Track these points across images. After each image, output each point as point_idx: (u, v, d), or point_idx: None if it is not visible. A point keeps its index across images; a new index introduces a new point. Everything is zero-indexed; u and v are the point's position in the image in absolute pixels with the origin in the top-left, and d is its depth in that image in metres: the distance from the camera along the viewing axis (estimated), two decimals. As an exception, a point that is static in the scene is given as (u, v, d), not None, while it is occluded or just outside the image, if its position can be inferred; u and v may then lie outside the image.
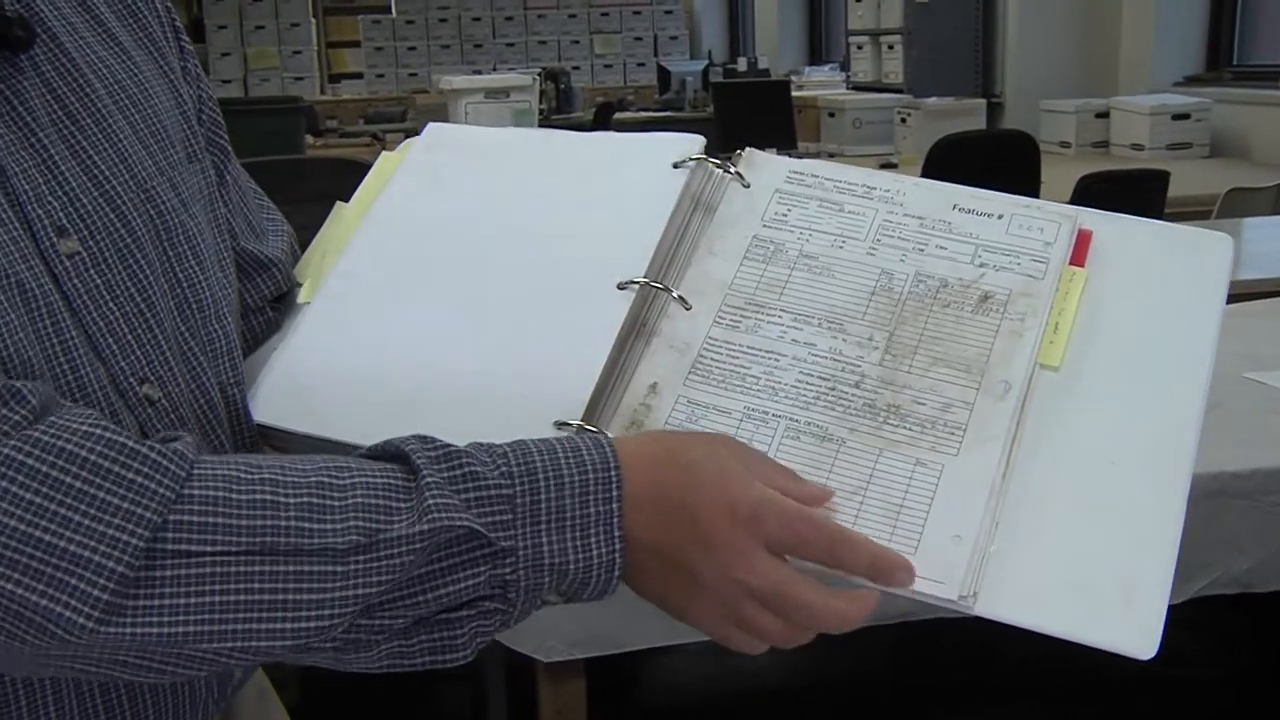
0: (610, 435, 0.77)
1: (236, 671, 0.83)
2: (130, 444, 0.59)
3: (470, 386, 0.72)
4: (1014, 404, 0.78)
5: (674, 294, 0.84)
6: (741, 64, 7.74)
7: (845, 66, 7.35)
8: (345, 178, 0.96)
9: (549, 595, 0.65)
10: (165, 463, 0.60)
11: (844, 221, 0.87)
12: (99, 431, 0.59)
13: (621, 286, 0.83)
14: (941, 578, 0.72)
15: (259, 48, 9.48)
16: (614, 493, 0.64)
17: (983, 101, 5.53)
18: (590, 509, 0.63)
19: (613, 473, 0.65)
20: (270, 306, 0.92)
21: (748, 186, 0.90)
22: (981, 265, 0.84)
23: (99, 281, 0.72)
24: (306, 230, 0.97)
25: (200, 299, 0.79)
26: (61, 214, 0.71)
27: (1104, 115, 5.14)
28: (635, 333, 0.83)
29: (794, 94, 5.89)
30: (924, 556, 0.73)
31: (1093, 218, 0.86)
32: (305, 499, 0.61)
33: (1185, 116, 4.88)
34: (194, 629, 0.58)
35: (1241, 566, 1.78)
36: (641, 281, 0.83)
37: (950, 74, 5.96)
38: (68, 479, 0.57)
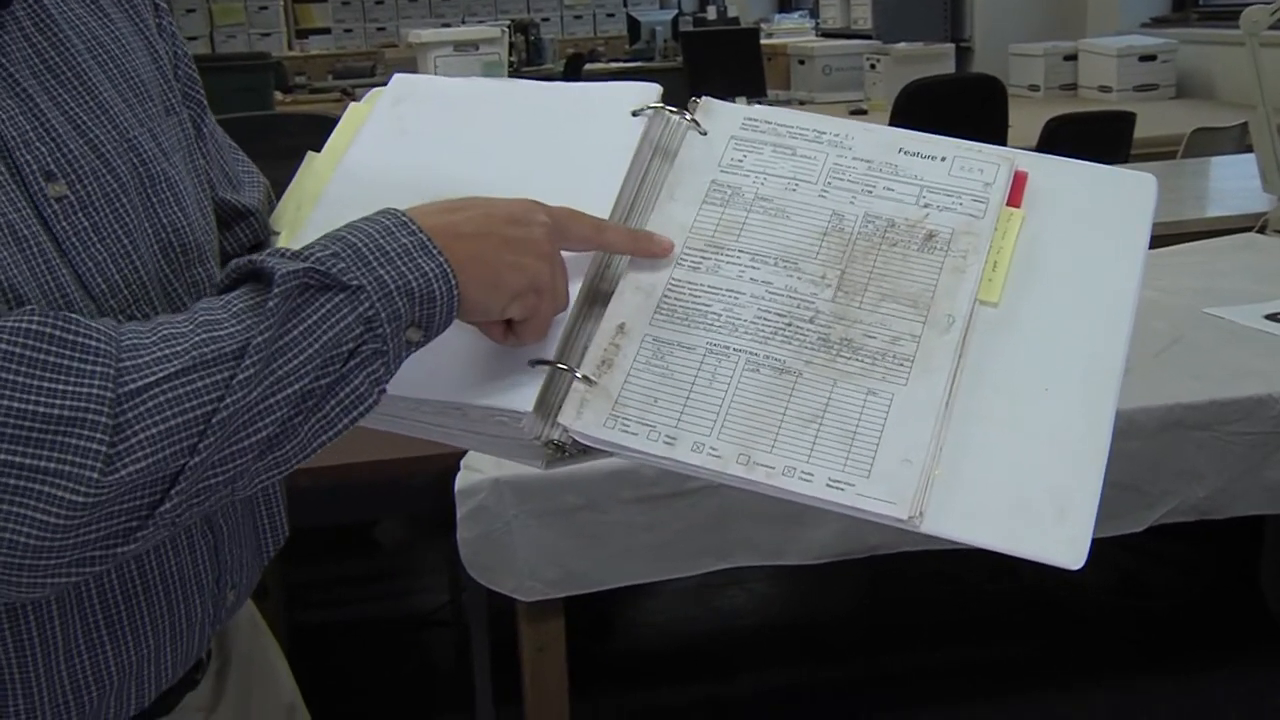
0: (580, 374, 0.82)
1: (229, 595, 0.87)
2: (60, 318, 0.64)
3: (445, 331, 0.75)
4: (957, 336, 0.82)
5: (637, 239, 0.87)
6: (711, 12, 7.70)
7: (814, 13, 7.34)
8: (316, 133, 0.98)
9: (410, 332, 0.72)
10: (96, 326, 0.64)
11: (796, 165, 0.91)
12: (36, 317, 0.63)
13: None
14: (893, 499, 0.77)
15: (224, 4, 9.31)
16: (413, 226, 0.72)
17: (951, 46, 5.52)
18: (403, 241, 0.71)
19: (403, 216, 0.73)
20: (247, 254, 0.95)
21: (705, 134, 0.93)
22: (926, 206, 0.88)
23: (86, 224, 0.75)
24: (279, 185, 1.00)
25: (184, 243, 0.82)
26: (49, 159, 0.74)
27: (1072, 58, 5.15)
28: (601, 275, 0.87)
29: (763, 42, 5.88)
30: (876, 479, 0.77)
31: (1028, 159, 0.90)
32: (200, 320, 0.67)
33: (1152, 58, 4.91)
34: (174, 449, 0.63)
35: (1199, 494, 1.84)
36: (606, 226, 0.86)
37: (919, 19, 5.96)
38: (39, 355, 0.62)
